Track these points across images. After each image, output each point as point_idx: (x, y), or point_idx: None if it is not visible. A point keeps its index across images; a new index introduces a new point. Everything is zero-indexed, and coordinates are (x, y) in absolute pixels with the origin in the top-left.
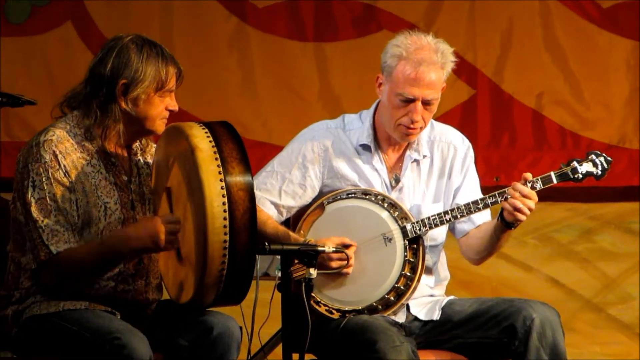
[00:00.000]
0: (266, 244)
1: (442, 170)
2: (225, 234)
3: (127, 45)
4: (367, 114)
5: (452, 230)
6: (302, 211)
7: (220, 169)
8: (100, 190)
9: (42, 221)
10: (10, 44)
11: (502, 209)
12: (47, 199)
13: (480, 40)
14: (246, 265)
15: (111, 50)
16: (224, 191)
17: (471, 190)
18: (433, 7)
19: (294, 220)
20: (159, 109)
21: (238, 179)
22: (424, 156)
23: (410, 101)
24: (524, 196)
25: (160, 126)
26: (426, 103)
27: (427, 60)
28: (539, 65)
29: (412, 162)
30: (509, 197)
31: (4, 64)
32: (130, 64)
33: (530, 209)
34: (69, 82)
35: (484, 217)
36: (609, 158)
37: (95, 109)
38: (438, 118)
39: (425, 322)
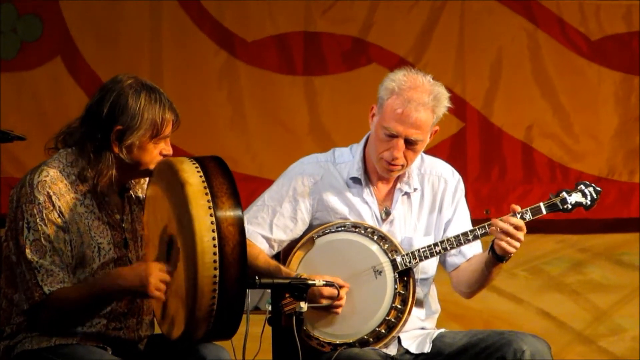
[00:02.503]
0: (257, 277)
1: (432, 203)
2: (215, 268)
3: (125, 90)
4: (358, 147)
5: (443, 264)
6: (292, 245)
7: (210, 204)
8: (94, 231)
9: (37, 262)
10: None
11: (493, 243)
12: (42, 239)
13: (469, 73)
14: (237, 300)
15: (109, 93)
16: (214, 226)
17: (462, 223)
18: (422, 40)
19: (285, 254)
20: (153, 155)
21: (228, 213)
22: (415, 189)
23: (394, 137)
24: (515, 228)
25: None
26: (409, 142)
27: (416, 100)
28: (528, 98)
29: (402, 195)
30: (492, 227)
31: None
32: (127, 111)
33: (519, 240)
34: (58, 118)
35: (474, 250)
36: (598, 188)
37: (89, 152)
38: (427, 151)
39: (417, 355)
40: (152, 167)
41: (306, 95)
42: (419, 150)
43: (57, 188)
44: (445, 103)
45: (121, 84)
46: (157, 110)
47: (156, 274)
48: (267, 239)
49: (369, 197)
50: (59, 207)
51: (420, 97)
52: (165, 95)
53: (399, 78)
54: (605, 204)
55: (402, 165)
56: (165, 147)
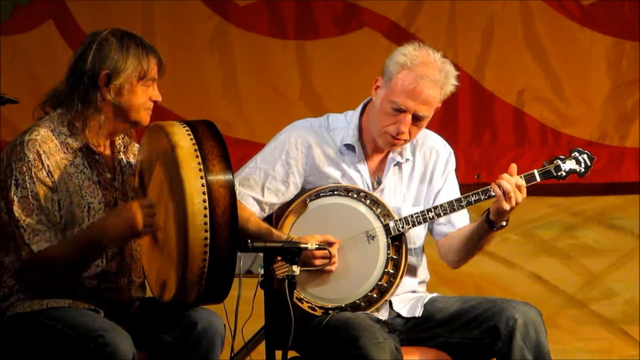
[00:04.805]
0: (249, 241)
1: (423, 174)
2: (206, 231)
3: (107, 38)
4: (354, 115)
5: (431, 232)
6: (284, 208)
7: (201, 167)
8: (84, 191)
9: (24, 220)
10: None
11: (488, 210)
12: (30, 197)
13: (461, 38)
14: (227, 262)
15: (90, 44)
16: (205, 188)
17: (451, 194)
18: (414, 5)
19: (277, 217)
20: (143, 99)
21: (219, 176)
22: (407, 160)
23: (401, 111)
24: (518, 188)
25: (145, 117)
26: (417, 118)
27: (429, 76)
28: (520, 63)
29: (394, 164)
30: (499, 184)
31: None
32: (111, 55)
33: (517, 201)
34: (51, 81)
35: (463, 221)
36: (592, 155)
37: (76, 102)
38: None
39: (408, 319)
40: (142, 113)
41: (298, 59)
42: (423, 127)
43: (47, 147)
44: (453, 81)
45: (100, 34)
46: (141, 52)
47: (141, 210)
48: (258, 202)
49: (361, 165)
50: (48, 165)
51: (432, 74)
52: (146, 40)
53: (411, 52)
54: (596, 168)
55: (405, 140)
56: (153, 93)
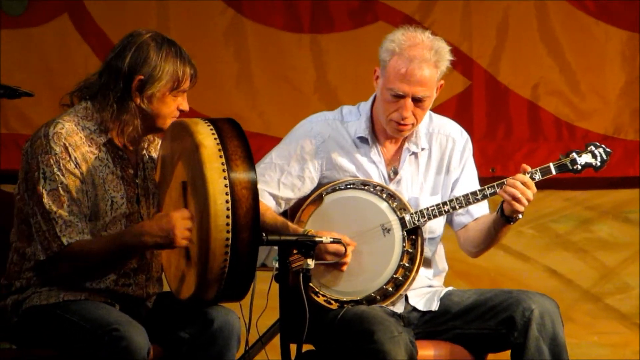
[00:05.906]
0: (264, 234)
1: (440, 163)
2: (228, 231)
3: (147, 41)
4: (365, 106)
5: (450, 223)
6: (300, 202)
7: (225, 167)
8: (108, 184)
9: (56, 212)
10: (7, 37)
11: (502, 203)
12: (60, 189)
13: (476, 31)
14: (248, 263)
15: (130, 45)
16: (228, 189)
17: (469, 182)
18: None
19: (293, 211)
20: (172, 108)
21: (242, 176)
22: (422, 149)
23: (400, 97)
24: (523, 184)
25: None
26: (417, 100)
27: (419, 57)
28: (535, 56)
29: (410, 154)
30: (505, 191)
31: (1, 57)
32: (149, 61)
33: (528, 200)
34: (65, 74)
35: (482, 210)
36: (608, 149)
37: (112, 103)
38: (434, 110)
39: (424, 313)
40: (169, 120)
41: (312, 53)
42: (427, 107)
43: (73, 140)
44: (447, 57)
45: (141, 36)
46: (178, 63)
47: (180, 224)
48: (275, 197)
49: (376, 156)
50: (75, 158)
51: (422, 54)
52: (184, 50)
53: (398, 38)
54: (611, 162)
55: (412, 124)
56: (182, 103)
